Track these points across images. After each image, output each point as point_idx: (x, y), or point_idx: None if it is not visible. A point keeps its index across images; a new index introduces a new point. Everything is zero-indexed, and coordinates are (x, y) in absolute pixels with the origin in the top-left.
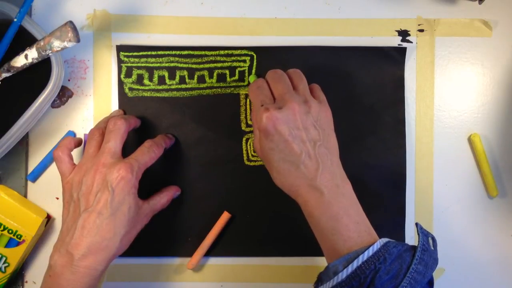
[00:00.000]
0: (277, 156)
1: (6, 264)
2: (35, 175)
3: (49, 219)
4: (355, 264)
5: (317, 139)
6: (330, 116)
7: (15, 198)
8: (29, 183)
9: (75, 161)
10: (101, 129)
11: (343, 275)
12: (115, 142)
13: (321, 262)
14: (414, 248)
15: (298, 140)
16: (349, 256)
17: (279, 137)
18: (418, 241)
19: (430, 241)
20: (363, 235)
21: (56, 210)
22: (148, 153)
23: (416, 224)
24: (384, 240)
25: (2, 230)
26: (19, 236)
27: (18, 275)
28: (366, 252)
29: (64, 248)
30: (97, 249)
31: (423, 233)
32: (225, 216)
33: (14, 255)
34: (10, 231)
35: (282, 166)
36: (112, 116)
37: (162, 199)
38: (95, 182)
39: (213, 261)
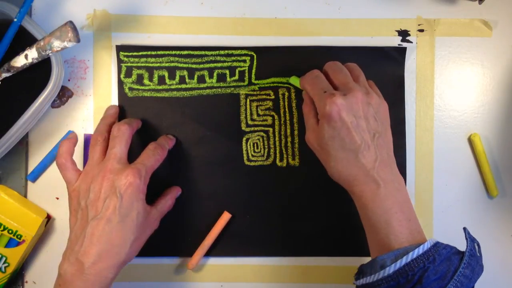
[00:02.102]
0: (337, 144)
1: (6, 264)
2: (35, 175)
3: (49, 219)
4: (404, 260)
5: (376, 130)
6: (388, 111)
7: (15, 198)
8: (29, 183)
9: (75, 160)
10: (103, 134)
11: (390, 269)
12: (120, 148)
13: (322, 262)
14: (461, 252)
15: (359, 129)
16: (398, 252)
17: (342, 124)
18: (466, 246)
19: (476, 247)
20: (414, 233)
21: (56, 210)
22: (154, 156)
23: (464, 229)
24: (434, 240)
25: (2, 230)
26: (19, 236)
27: (18, 275)
28: (416, 250)
29: (74, 256)
30: (107, 256)
31: (471, 239)
32: (225, 216)
33: (14, 255)
34: (10, 231)
35: (341, 155)
36: (108, 114)
37: (167, 202)
38: (103, 189)
39: (213, 261)
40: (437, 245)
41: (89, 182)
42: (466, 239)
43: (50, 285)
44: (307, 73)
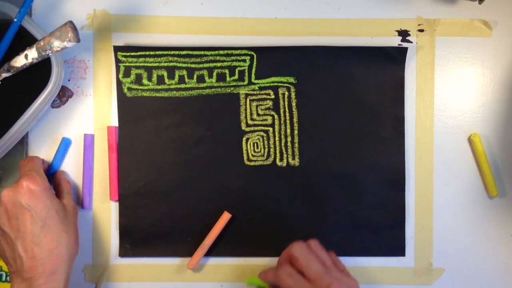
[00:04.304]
0: None
1: None
2: None
3: None
4: None
5: None
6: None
7: None
8: None
9: (75, 160)
10: None
11: None
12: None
13: None
14: None
15: None
16: None
17: None
18: None
19: None
20: None
21: None
22: (32, 159)
23: None
24: None
25: None
26: None
27: None
28: None
29: (20, 276)
30: (51, 263)
31: None
32: (225, 216)
33: None
34: None
35: None
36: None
37: (67, 184)
38: (8, 208)
39: (213, 261)
40: None
41: None
42: None
43: None
44: (279, 270)
